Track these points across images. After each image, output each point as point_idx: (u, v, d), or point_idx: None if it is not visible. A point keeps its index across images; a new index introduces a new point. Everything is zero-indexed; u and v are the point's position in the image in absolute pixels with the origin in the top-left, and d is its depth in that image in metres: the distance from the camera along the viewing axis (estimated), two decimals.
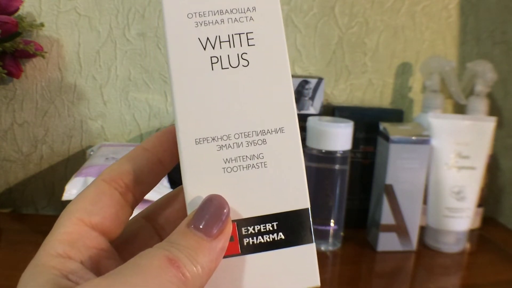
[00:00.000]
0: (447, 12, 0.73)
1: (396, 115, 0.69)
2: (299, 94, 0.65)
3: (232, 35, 0.22)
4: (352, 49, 0.72)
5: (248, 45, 0.22)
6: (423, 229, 0.65)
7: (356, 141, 0.64)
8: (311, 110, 0.66)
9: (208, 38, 0.22)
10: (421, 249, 0.63)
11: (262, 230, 0.21)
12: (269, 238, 0.21)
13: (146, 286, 0.18)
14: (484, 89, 0.68)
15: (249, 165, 0.22)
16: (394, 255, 0.62)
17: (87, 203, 0.22)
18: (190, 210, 0.21)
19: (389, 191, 0.61)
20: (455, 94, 0.70)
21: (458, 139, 0.62)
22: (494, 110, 0.72)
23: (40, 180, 0.70)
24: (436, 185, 0.63)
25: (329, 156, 0.60)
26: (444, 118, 0.63)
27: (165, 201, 0.26)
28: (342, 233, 0.63)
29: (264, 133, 0.22)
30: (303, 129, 0.62)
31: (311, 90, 0.65)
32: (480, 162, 0.63)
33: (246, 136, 0.22)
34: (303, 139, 0.61)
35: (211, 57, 0.22)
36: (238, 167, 0.22)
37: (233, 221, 0.21)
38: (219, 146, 0.22)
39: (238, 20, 0.22)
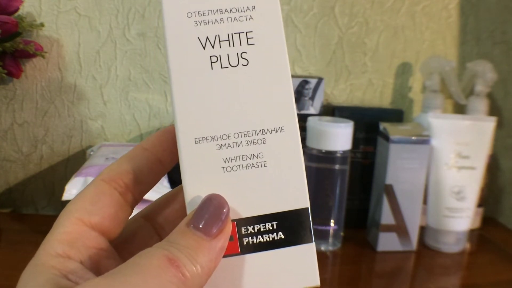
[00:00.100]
0: (447, 12, 0.73)
1: (396, 115, 0.69)
2: (299, 94, 0.65)
3: (232, 34, 0.22)
4: (352, 49, 0.72)
5: (248, 44, 0.22)
6: (423, 229, 0.65)
7: (356, 141, 0.64)
8: (311, 110, 0.66)
9: (207, 37, 0.22)
10: (421, 249, 0.63)
11: (261, 229, 0.21)
12: (268, 237, 0.21)
13: (145, 285, 0.18)
14: (484, 89, 0.68)
15: (248, 165, 0.22)
16: (394, 255, 0.62)
17: (86, 203, 0.22)
18: (189, 210, 0.21)
19: (389, 191, 0.61)
20: (455, 94, 0.70)
21: (458, 139, 0.62)
22: (494, 110, 0.72)
23: (40, 180, 0.70)
24: (436, 185, 0.63)
25: (329, 156, 0.60)
26: (444, 118, 0.63)
27: (164, 201, 0.26)
28: (342, 233, 0.63)
29: (263, 133, 0.22)
30: (303, 129, 0.62)
31: (311, 90, 0.65)
32: (480, 162, 0.63)
33: (245, 135, 0.22)
34: (303, 139, 0.61)
35: (210, 56, 0.22)
36: (238, 167, 0.22)
37: (232, 220, 0.21)
38: (218, 146, 0.22)
39: (237, 19, 0.22)
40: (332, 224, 0.61)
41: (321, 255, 0.60)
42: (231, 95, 0.22)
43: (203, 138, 0.22)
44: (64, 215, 0.21)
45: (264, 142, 0.22)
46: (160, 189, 0.51)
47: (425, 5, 0.72)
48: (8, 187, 0.70)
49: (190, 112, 0.22)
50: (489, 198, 0.75)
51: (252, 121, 0.22)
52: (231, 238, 0.21)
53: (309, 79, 0.65)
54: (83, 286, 0.18)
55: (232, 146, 0.22)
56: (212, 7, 0.22)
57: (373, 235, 0.64)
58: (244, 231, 0.21)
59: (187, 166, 0.21)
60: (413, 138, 0.60)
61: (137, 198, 0.23)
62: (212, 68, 0.22)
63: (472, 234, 0.67)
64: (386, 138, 0.61)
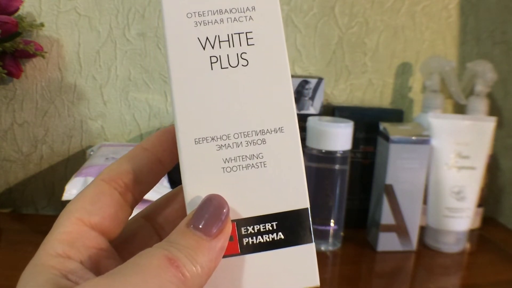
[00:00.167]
0: (447, 12, 0.73)
1: (396, 115, 0.69)
2: (299, 94, 0.65)
3: (232, 34, 0.22)
4: (352, 49, 0.72)
5: (248, 44, 0.22)
6: (423, 229, 0.65)
7: (356, 141, 0.64)
8: (311, 110, 0.66)
9: (207, 38, 0.22)
10: (421, 249, 0.63)
11: (261, 230, 0.21)
12: (268, 238, 0.21)
13: (145, 285, 0.18)
14: (484, 89, 0.68)
15: (248, 165, 0.22)
16: (394, 255, 0.62)
17: (86, 203, 0.22)
18: (189, 210, 0.21)
19: (389, 191, 0.61)
20: (455, 94, 0.70)
21: (458, 139, 0.62)
22: (494, 110, 0.72)
23: (40, 180, 0.70)
24: (436, 185, 0.63)
25: (329, 156, 0.60)
26: (444, 118, 0.63)
27: (164, 201, 0.26)
28: (342, 233, 0.63)
29: (263, 133, 0.22)
30: (303, 129, 0.62)
31: (311, 90, 0.65)
32: (480, 162, 0.63)
33: (245, 135, 0.22)
34: (303, 139, 0.61)
35: (210, 56, 0.22)
36: (238, 167, 0.22)
37: (232, 220, 0.21)
38: (218, 146, 0.22)
39: (237, 19, 0.22)
40: (332, 224, 0.61)
41: (321, 255, 0.60)
42: (231, 95, 0.22)
43: (203, 138, 0.22)
44: (64, 215, 0.21)
45: (264, 142, 0.22)
46: (160, 189, 0.51)
47: (425, 5, 0.72)
48: (8, 187, 0.70)
49: (190, 112, 0.22)
50: (489, 198, 0.75)
51: (252, 121, 0.22)
52: (231, 238, 0.21)
53: (309, 79, 0.65)
54: (83, 286, 0.18)
55: (232, 147, 0.22)
56: (212, 8, 0.22)
57: (373, 235, 0.64)
58: (244, 231, 0.21)
59: (187, 166, 0.21)
60: (413, 138, 0.60)
61: (137, 198, 0.23)
62: (212, 69, 0.22)
63: (472, 234, 0.67)
64: (386, 138, 0.61)
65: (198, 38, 0.22)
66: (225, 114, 0.22)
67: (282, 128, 0.22)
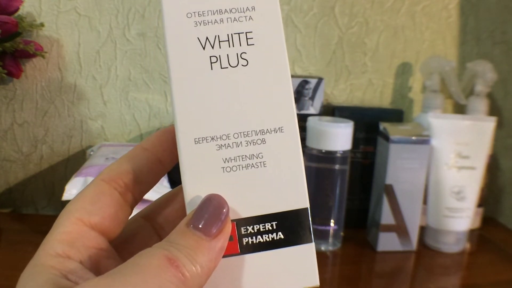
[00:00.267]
0: (447, 12, 0.73)
1: (396, 115, 0.69)
2: (299, 94, 0.65)
3: (232, 34, 0.22)
4: (352, 49, 0.72)
5: (248, 44, 0.22)
6: (423, 229, 0.65)
7: (356, 141, 0.64)
8: (311, 110, 0.66)
9: (207, 38, 0.22)
10: (421, 249, 0.63)
11: (261, 229, 0.21)
12: (268, 237, 0.21)
13: (145, 285, 0.18)
14: (484, 89, 0.68)
15: (248, 165, 0.22)
16: (394, 255, 0.62)
17: (86, 202, 0.22)
18: (189, 210, 0.21)
19: (389, 191, 0.61)
20: (455, 94, 0.70)
21: (458, 139, 0.62)
22: (494, 110, 0.72)
23: (40, 180, 0.70)
24: (436, 185, 0.63)
25: (329, 156, 0.60)
26: (444, 118, 0.63)
27: (164, 201, 0.26)
28: (342, 233, 0.63)
29: (263, 133, 0.22)
30: (303, 129, 0.62)
31: (311, 90, 0.65)
32: (480, 162, 0.63)
33: (245, 135, 0.22)
34: (303, 139, 0.61)
35: (210, 56, 0.22)
36: (238, 167, 0.22)
37: (232, 220, 0.21)
38: (218, 146, 0.22)
39: (237, 19, 0.22)
40: (332, 224, 0.61)
41: (321, 255, 0.60)
42: (230, 95, 0.22)
43: (203, 138, 0.22)
44: (64, 215, 0.21)
45: (264, 142, 0.22)
46: (160, 189, 0.51)
47: (425, 5, 0.72)
48: (8, 187, 0.70)
49: (190, 112, 0.22)
50: (489, 198, 0.75)
51: (252, 121, 0.22)
52: (230, 238, 0.21)
53: (309, 79, 0.65)
54: (82, 286, 0.18)
55: (231, 146, 0.22)
56: (212, 8, 0.22)
57: (373, 235, 0.64)
58: (244, 231, 0.21)
59: (187, 166, 0.21)
60: (413, 138, 0.60)
61: (137, 198, 0.23)
62: (211, 69, 0.22)
63: (472, 234, 0.67)
64: (386, 138, 0.61)
65: (198, 38, 0.22)
66: (225, 114, 0.22)
67: (282, 128, 0.22)
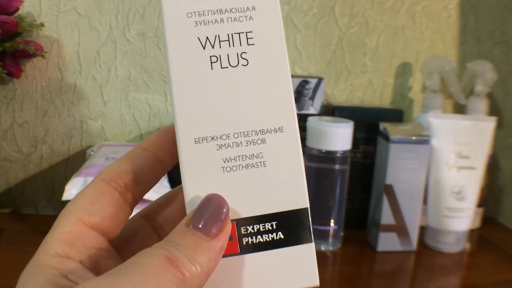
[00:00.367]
0: (447, 12, 0.73)
1: (396, 115, 0.69)
2: (299, 94, 0.65)
3: (232, 34, 0.22)
4: (352, 49, 0.72)
5: (248, 44, 0.22)
6: (423, 229, 0.65)
7: (356, 141, 0.64)
8: (311, 110, 0.66)
9: (207, 38, 0.22)
10: (421, 249, 0.63)
11: (261, 229, 0.21)
12: (268, 237, 0.21)
13: (145, 285, 0.18)
14: (484, 89, 0.68)
15: (248, 165, 0.22)
16: (394, 255, 0.62)
17: (86, 202, 0.22)
18: (189, 210, 0.21)
19: (389, 191, 0.61)
20: (455, 94, 0.70)
21: (458, 139, 0.62)
22: (494, 110, 0.72)
23: (40, 180, 0.70)
24: (436, 185, 0.63)
25: (329, 156, 0.60)
26: (444, 118, 0.63)
27: (164, 201, 0.26)
28: (342, 233, 0.63)
29: (263, 133, 0.22)
30: (303, 129, 0.62)
31: (311, 90, 0.65)
32: (480, 162, 0.63)
33: (245, 135, 0.22)
34: (303, 139, 0.61)
35: (210, 56, 0.22)
36: (238, 167, 0.22)
37: (232, 220, 0.21)
38: (218, 146, 0.22)
39: (237, 19, 0.22)
40: (332, 224, 0.61)
41: (321, 255, 0.60)
42: (231, 95, 0.22)
43: (203, 138, 0.22)
44: (63, 215, 0.21)
45: (264, 142, 0.22)
46: (160, 189, 0.51)
47: (425, 5, 0.72)
48: (8, 187, 0.70)
49: (190, 112, 0.22)
50: (489, 198, 0.75)
51: (252, 121, 0.22)
52: (230, 238, 0.21)
53: (309, 79, 0.65)
54: (82, 286, 0.18)
55: (231, 146, 0.22)
56: (212, 7, 0.22)
57: (373, 235, 0.64)
58: (244, 231, 0.21)
59: (186, 166, 0.21)
60: (413, 138, 0.60)
61: (137, 198, 0.23)
62: (212, 68, 0.22)
63: (472, 234, 0.67)
64: (386, 138, 0.61)
65: (198, 37, 0.22)
66: (225, 114, 0.22)
67: (282, 128, 0.22)
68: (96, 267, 0.21)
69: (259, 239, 0.21)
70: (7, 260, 0.54)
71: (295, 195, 0.22)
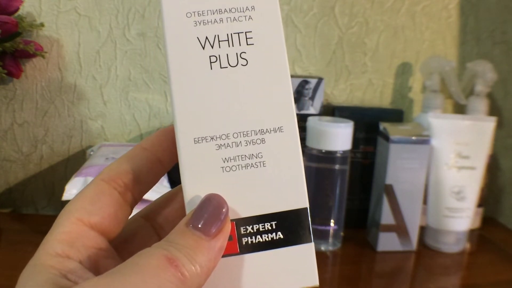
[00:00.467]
0: (447, 12, 0.73)
1: (396, 115, 0.69)
2: (299, 94, 0.65)
3: (231, 34, 0.22)
4: (352, 49, 0.72)
5: (247, 44, 0.22)
6: (423, 229, 0.65)
7: (356, 141, 0.64)
8: (311, 110, 0.66)
9: (207, 37, 0.22)
10: (421, 249, 0.63)
11: (261, 229, 0.21)
12: (267, 237, 0.21)
13: (144, 285, 0.18)
14: (484, 89, 0.68)
15: (248, 165, 0.22)
16: (394, 255, 0.62)
17: (86, 202, 0.22)
18: (189, 209, 0.21)
19: (389, 191, 0.61)
20: (455, 94, 0.70)
21: (458, 139, 0.62)
22: (494, 110, 0.72)
23: (40, 180, 0.70)
24: (436, 185, 0.63)
25: (329, 156, 0.60)
26: (444, 118, 0.63)
27: (164, 201, 0.26)
28: (342, 233, 0.63)
29: (263, 133, 0.22)
30: (303, 129, 0.62)
31: (311, 90, 0.65)
32: (480, 162, 0.63)
33: (245, 135, 0.22)
34: (303, 139, 0.61)
35: (210, 56, 0.22)
36: (237, 167, 0.22)
37: (232, 220, 0.21)
38: (218, 146, 0.22)
39: (237, 19, 0.22)
40: (332, 224, 0.61)
41: (321, 255, 0.60)
42: (230, 95, 0.22)
43: (203, 138, 0.22)
44: (63, 215, 0.21)
45: (263, 142, 0.22)
46: (160, 189, 0.51)
47: (425, 5, 0.72)
48: (8, 187, 0.70)
49: (190, 112, 0.22)
50: (489, 198, 0.75)
51: (251, 121, 0.22)
52: (230, 238, 0.21)
53: (309, 79, 0.65)
54: (82, 285, 0.18)
55: (231, 146, 0.22)
56: (212, 7, 0.22)
57: (373, 235, 0.64)
58: (243, 231, 0.21)
59: (186, 166, 0.21)
60: (413, 138, 0.60)
61: (137, 198, 0.23)
62: (211, 68, 0.22)
63: (472, 234, 0.67)
64: (386, 138, 0.61)
65: (197, 37, 0.22)
66: (225, 114, 0.22)
67: (281, 128, 0.22)
68: (96, 267, 0.21)
69: (258, 239, 0.21)
70: (7, 260, 0.54)
71: (295, 195, 0.22)
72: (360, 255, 0.62)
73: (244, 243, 0.21)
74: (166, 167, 0.24)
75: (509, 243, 0.68)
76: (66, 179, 0.66)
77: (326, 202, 0.61)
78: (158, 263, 0.18)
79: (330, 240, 0.62)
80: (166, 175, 0.58)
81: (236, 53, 0.22)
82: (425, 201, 0.63)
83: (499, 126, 0.71)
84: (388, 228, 0.61)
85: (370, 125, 0.66)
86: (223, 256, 0.21)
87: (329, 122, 0.60)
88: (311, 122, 0.60)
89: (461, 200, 0.62)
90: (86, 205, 0.22)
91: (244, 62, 0.22)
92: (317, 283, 0.22)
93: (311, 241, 0.22)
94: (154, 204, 0.26)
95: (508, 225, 0.74)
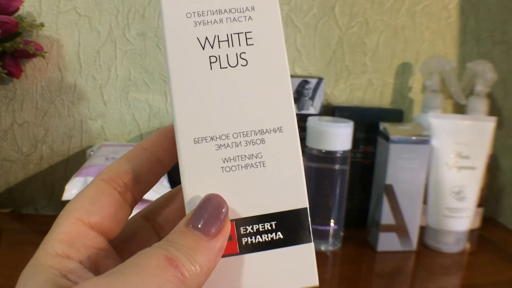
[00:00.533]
0: (447, 12, 0.73)
1: (396, 115, 0.69)
2: (299, 94, 0.65)
3: (231, 34, 0.22)
4: (352, 49, 0.72)
5: (247, 44, 0.22)
6: (423, 229, 0.65)
7: (356, 141, 0.64)
8: (311, 110, 0.66)
9: (206, 38, 0.22)
10: (421, 249, 0.63)
11: (260, 229, 0.21)
12: (267, 237, 0.21)
13: (144, 285, 0.18)
14: (484, 89, 0.68)
15: (247, 165, 0.22)
16: (394, 255, 0.62)
17: (86, 202, 0.22)
18: (188, 210, 0.21)
19: (389, 191, 0.61)
20: (455, 94, 0.70)
21: (458, 139, 0.62)
22: (494, 110, 0.72)
23: (40, 180, 0.70)
24: (436, 185, 0.63)
25: (329, 156, 0.60)
26: (444, 118, 0.63)
27: (164, 201, 0.26)
28: (342, 233, 0.63)
29: (262, 133, 0.22)
30: (303, 129, 0.62)
31: (311, 90, 0.65)
32: (480, 162, 0.63)
33: (244, 135, 0.22)
34: (303, 139, 0.61)
35: (209, 56, 0.22)
36: (237, 167, 0.22)
37: (231, 220, 0.21)
38: (217, 146, 0.22)
39: (237, 19, 0.22)
40: (332, 224, 0.61)
41: (321, 255, 0.60)
42: (230, 95, 0.22)
43: (202, 138, 0.22)
44: (63, 215, 0.21)
45: (263, 142, 0.22)
46: (160, 189, 0.51)
47: (425, 5, 0.72)
48: (8, 187, 0.70)
49: (189, 112, 0.22)
50: (489, 198, 0.75)
51: (251, 121, 0.22)
52: (230, 238, 0.21)
53: (309, 79, 0.65)
54: (82, 285, 0.18)
55: (231, 146, 0.22)
56: (212, 8, 0.22)
57: (373, 235, 0.64)
58: (243, 231, 0.21)
59: (186, 166, 0.21)
60: (413, 138, 0.60)
61: (137, 198, 0.23)
62: (211, 68, 0.22)
63: (472, 234, 0.67)
64: (386, 138, 0.61)
65: (197, 38, 0.22)
66: (224, 114, 0.22)
67: (281, 128, 0.22)
68: (96, 267, 0.21)
69: (258, 239, 0.21)
70: (7, 260, 0.54)
71: (295, 195, 0.22)
72: (360, 255, 0.62)
73: (244, 243, 0.21)
74: (166, 167, 0.24)
75: (509, 243, 0.68)
76: (66, 179, 0.66)
77: (326, 202, 0.61)
78: (158, 263, 0.19)
79: (330, 240, 0.62)
80: (166, 175, 0.58)
81: (236, 54, 0.22)
82: (425, 201, 0.63)
83: (499, 126, 0.71)
84: (388, 228, 0.61)
85: (370, 125, 0.66)
86: (223, 256, 0.21)
87: (329, 122, 0.60)
88: (311, 122, 0.60)
89: (461, 200, 0.63)
90: (86, 205, 0.22)
91: (244, 62, 0.22)
92: (317, 283, 0.22)
93: (311, 241, 0.22)
94: (154, 204, 0.26)
95: (508, 225, 0.74)
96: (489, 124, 0.63)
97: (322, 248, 0.61)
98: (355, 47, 0.72)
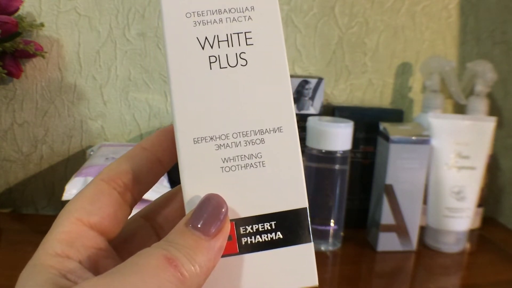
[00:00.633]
0: (447, 12, 0.73)
1: (396, 115, 0.69)
2: (299, 94, 0.65)
3: (231, 34, 0.22)
4: (352, 49, 0.72)
5: (247, 44, 0.22)
6: (423, 229, 0.65)
7: (356, 141, 0.64)
8: (311, 110, 0.66)
9: (206, 38, 0.22)
10: (421, 249, 0.63)
11: (260, 229, 0.21)
12: (267, 237, 0.21)
13: (144, 285, 0.18)
14: (484, 89, 0.68)
15: (247, 165, 0.22)
16: (394, 255, 0.62)
17: (85, 202, 0.22)
18: (188, 209, 0.21)
19: (389, 191, 0.61)
20: (455, 94, 0.70)
21: (458, 139, 0.62)
22: (494, 110, 0.72)
23: (40, 180, 0.70)
24: (436, 185, 0.63)
25: (329, 156, 0.60)
26: (444, 118, 0.63)
27: (163, 201, 0.26)
28: (342, 233, 0.63)
29: (262, 133, 0.22)
30: (303, 129, 0.62)
31: (311, 90, 0.65)
32: (480, 162, 0.63)
33: (244, 135, 0.22)
34: (303, 139, 0.61)
35: (209, 56, 0.22)
36: (237, 167, 0.22)
37: (231, 220, 0.21)
38: (217, 146, 0.22)
39: (236, 19, 0.22)
40: (332, 224, 0.61)
41: (321, 255, 0.60)
42: (229, 95, 0.22)
43: (202, 138, 0.22)
44: (63, 214, 0.21)
45: (263, 142, 0.22)
46: (160, 189, 0.51)
47: (425, 5, 0.72)
48: (8, 187, 0.70)
49: (189, 112, 0.22)
50: (489, 198, 0.75)
51: (251, 121, 0.22)
52: (229, 238, 0.21)
53: (309, 79, 0.65)
54: (81, 285, 0.18)
55: (230, 146, 0.22)
56: (211, 7, 0.22)
57: (373, 235, 0.64)
58: (243, 231, 0.21)
59: (186, 166, 0.21)
60: (413, 138, 0.60)
61: (136, 198, 0.23)
62: (211, 68, 0.22)
63: (472, 234, 0.67)
64: (386, 138, 0.61)
65: (197, 38, 0.22)
66: (224, 114, 0.22)
67: (281, 128, 0.22)
68: (95, 267, 0.21)
69: (258, 239, 0.21)
70: (7, 260, 0.54)
71: (294, 195, 0.22)
72: (360, 255, 0.62)
73: (243, 243, 0.21)
74: (166, 167, 0.24)
75: (509, 243, 0.68)
76: (66, 179, 0.66)
77: (326, 202, 0.61)
78: (157, 263, 0.18)
79: (330, 240, 0.62)
80: (166, 175, 0.58)
81: (236, 53, 0.22)
82: (425, 201, 0.63)
83: (499, 126, 0.71)
84: (388, 228, 0.61)
85: (370, 125, 0.66)
86: (222, 256, 0.21)
87: (329, 122, 0.60)
88: (311, 122, 0.60)
89: (461, 200, 0.62)
90: (86, 205, 0.22)
91: (243, 62, 0.22)
92: (316, 283, 0.22)
93: (310, 241, 0.22)
94: (153, 204, 0.26)
95: (508, 225, 0.74)
96: (489, 124, 0.63)
97: (322, 248, 0.61)
98: (355, 47, 0.72)
